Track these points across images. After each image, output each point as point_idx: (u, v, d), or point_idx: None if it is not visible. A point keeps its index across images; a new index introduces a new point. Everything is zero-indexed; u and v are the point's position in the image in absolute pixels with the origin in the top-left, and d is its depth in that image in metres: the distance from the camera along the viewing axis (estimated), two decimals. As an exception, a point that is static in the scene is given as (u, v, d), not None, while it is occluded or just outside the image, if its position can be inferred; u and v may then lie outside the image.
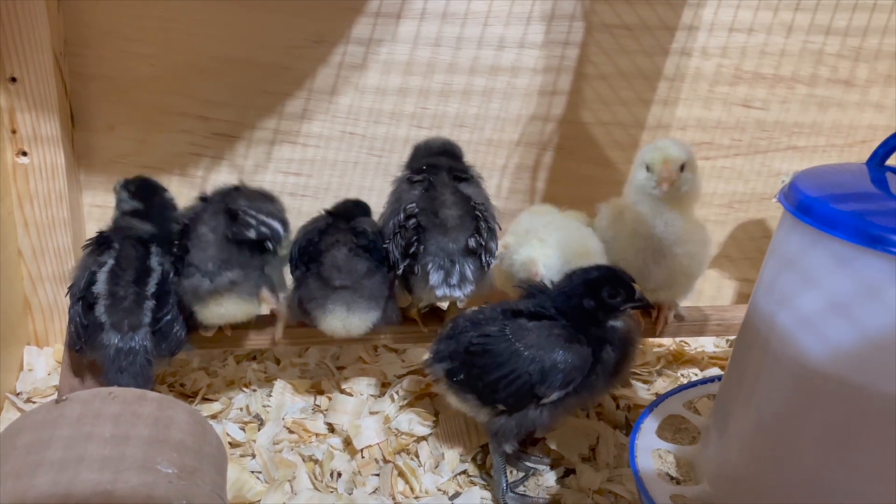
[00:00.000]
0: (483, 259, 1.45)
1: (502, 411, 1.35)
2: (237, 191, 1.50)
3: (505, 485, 1.38)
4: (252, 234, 1.42)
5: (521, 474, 1.45)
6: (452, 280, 1.43)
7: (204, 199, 1.49)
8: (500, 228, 1.52)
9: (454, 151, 1.60)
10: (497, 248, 1.49)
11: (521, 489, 1.42)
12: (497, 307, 1.40)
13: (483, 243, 1.44)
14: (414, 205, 1.45)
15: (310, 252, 1.45)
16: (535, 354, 1.28)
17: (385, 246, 1.48)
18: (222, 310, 1.42)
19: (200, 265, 1.40)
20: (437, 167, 1.52)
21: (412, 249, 1.43)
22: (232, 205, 1.45)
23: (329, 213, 1.54)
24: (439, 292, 1.43)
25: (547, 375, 1.28)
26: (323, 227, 1.48)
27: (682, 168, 1.44)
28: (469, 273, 1.44)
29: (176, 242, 1.44)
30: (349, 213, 1.54)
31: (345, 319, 1.44)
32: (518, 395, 1.31)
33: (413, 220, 1.44)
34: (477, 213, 1.46)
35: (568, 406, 1.35)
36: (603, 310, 1.31)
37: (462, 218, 1.45)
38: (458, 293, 1.43)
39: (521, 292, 1.42)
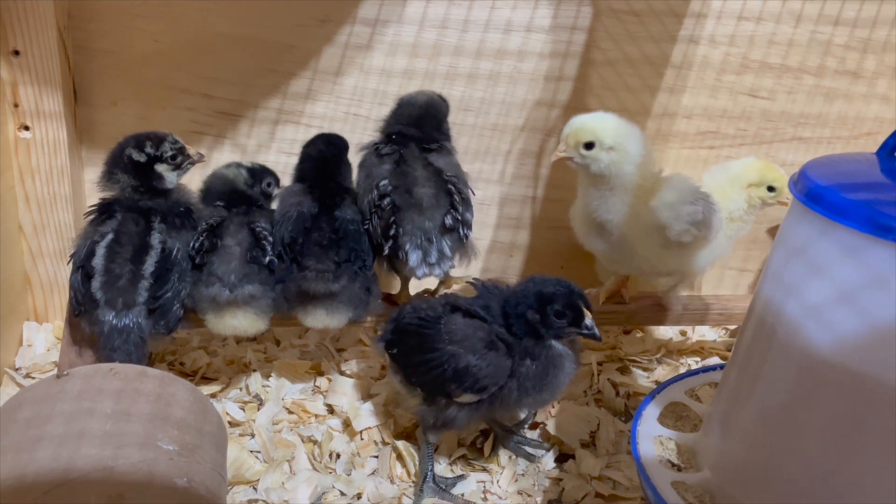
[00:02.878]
0: (461, 232, 1.45)
1: (423, 399, 1.35)
2: (259, 208, 1.52)
3: (430, 473, 1.37)
4: (266, 260, 1.43)
5: (454, 475, 1.44)
6: (431, 259, 1.43)
7: (223, 205, 1.49)
8: (474, 194, 1.52)
9: (436, 113, 1.56)
10: (473, 217, 1.49)
11: (446, 487, 1.39)
12: (441, 300, 1.40)
13: (459, 218, 1.44)
14: (386, 182, 1.45)
15: (295, 249, 1.43)
16: (454, 351, 1.28)
17: (365, 227, 1.47)
18: (236, 322, 1.42)
19: (224, 276, 1.40)
20: (407, 137, 1.51)
21: (391, 231, 1.42)
22: (256, 223, 1.46)
23: (312, 191, 1.50)
24: (419, 272, 1.43)
25: (459, 375, 1.27)
26: (309, 224, 1.45)
27: (590, 146, 1.39)
28: (447, 249, 1.44)
29: (182, 220, 1.45)
30: (332, 193, 1.50)
31: (324, 320, 1.44)
32: (433, 385, 1.31)
33: (388, 200, 1.43)
34: (450, 186, 1.45)
35: (485, 412, 1.34)
36: (545, 326, 1.28)
37: (436, 196, 1.45)
38: (437, 271, 1.44)
39: (473, 290, 1.41)
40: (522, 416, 1.55)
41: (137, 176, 1.45)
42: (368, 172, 1.50)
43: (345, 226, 1.45)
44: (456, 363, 1.27)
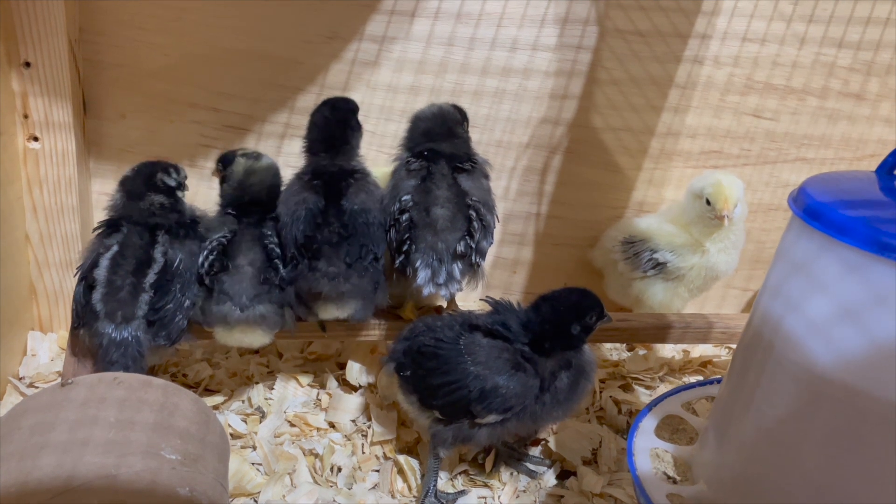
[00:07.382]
0: (473, 259, 1.45)
1: (439, 419, 1.35)
2: (273, 219, 1.50)
3: (433, 487, 1.37)
4: (277, 279, 1.45)
5: (455, 491, 1.43)
6: (439, 279, 1.42)
7: (234, 215, 1.50)
8: (499, 220, 1.52)
9: (450, 123, 1.56)
10: (491, 244, 1.49)
11: (447, 502, 1.39)
12: (457, 317, 1.40)
13: (473, 246, 1.44)
14: (409, 198, 1.46)
15: (312, 249, 1.42)
16: (479, 372, 1.28)
17: (387, 232, 1.48)
18: (246, 338, 1.44)
19: (235, 296, 1.41)
20: (438, 154, 1.51)
21: (405, 248, 1.43)
22: (268, 239, 1.46)
23: (314, 184, 1.48)
24: (425, 291, 1.43)
25: (486, 396, 1.27)
26: (320, 219, 1.43)
27: None
28: (457, 272, 1.44)
29: (187, 231, 1.47)
30: (336, 180, 1.48)
31: (334, 312, 1.46)
32: (455, 407, 1.31)
33: (406, 216, 1.44)
34: (471, 212, 1.45)
35: (508, 430, 1.34)
36: (587, 333, 1.32)
37: (453, 219, 1.44)
38: (443, 292, 1.43)
39: (488, 307, 1.41)
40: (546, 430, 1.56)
41: (170, 197, 1.50)
42: (396, 184, 1.51)
43: (353, 219, 1.44)
44: (482, 384, 1.27)
